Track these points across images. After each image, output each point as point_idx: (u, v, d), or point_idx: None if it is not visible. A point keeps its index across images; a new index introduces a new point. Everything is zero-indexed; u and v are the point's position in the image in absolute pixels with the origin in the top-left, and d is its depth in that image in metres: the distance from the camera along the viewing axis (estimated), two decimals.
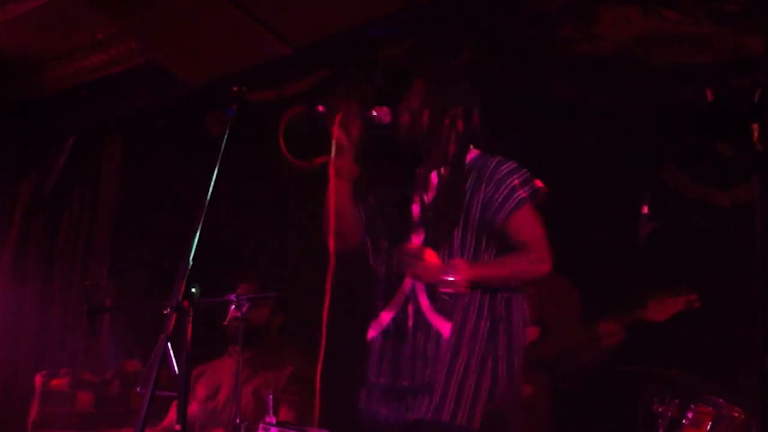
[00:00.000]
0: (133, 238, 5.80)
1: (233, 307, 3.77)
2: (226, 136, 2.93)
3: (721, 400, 3.28)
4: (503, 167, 3.09)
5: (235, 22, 4.53)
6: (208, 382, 4.60)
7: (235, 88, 3.05)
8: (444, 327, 3.00)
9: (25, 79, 5.71)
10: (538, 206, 3.10)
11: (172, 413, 4.45)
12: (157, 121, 5.61)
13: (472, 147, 3.16)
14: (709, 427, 3.24)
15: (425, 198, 3.14)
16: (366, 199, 3.25)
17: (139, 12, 4.63)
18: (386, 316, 3.12)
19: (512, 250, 3.07)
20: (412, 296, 3.07)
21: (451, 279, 2.93)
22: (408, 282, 3.08)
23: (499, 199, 3.04)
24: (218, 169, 2.87)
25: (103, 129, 5.89)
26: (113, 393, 5.18)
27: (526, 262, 3.04)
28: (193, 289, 2.73)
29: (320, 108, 3.12)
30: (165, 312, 2.70)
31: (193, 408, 4.52)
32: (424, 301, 3.04)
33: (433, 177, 3.14)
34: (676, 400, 3.37)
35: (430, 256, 2.97)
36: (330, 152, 3.08)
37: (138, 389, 2.77)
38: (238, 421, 3.60)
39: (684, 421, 3.32)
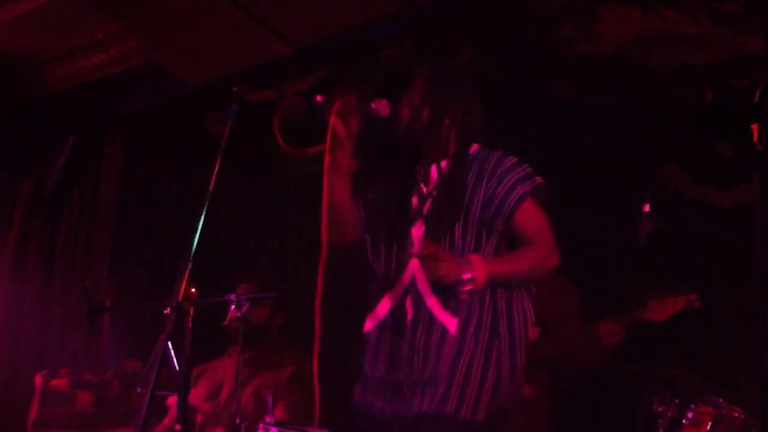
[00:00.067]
0: (133, 238, 5.80)
1: (233, 307, 3.77)
2: (226, 136, 2.93)
3: (721, 400, 3.28)
4: (505, 162, 3.09)
5: (235, 22, 4.53)
6: (208, 383, 4.60)
7: (235, 88, 3.04)
8: (450, 323, 2.99)
9: (25, 79, 5.71)
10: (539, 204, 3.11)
11: (172, 413, 4.46)
12: (157, 121, 5.61)
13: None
14: (709, 427, 3.24)
15: (424, 191, 3.14)
16: (365, 195, 3.25)
17: (139, 12, 4.63)
18: (383, 309, 3.11)
19: (518, 246, 3.07)
20: (411, 289, 3.06)
21: (471, 277, 2.92)
22: (407, 275, 3.08)
23: (501, 194, 3.04)
24: (218, 169, 2.87)
25: (103, 129, 5.89)
26: (113, 393, 5.18)
27: (536, 257, 3.05)
28: (193, 290, 2.74)
29: (318, 98, 3.11)
30: (165, 312, 2.71)
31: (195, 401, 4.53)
32: (429, 296, 3.03)
33: (433, 171, 3.14)
34: (676, 400, 3.37)
35: (448, 256, 2.97)
36: (326, 141, 3.07)
37: (138, 389, 2.77)
38: (238, 421, 3.60)
39: (684, 421, 3.32)
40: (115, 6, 4.71)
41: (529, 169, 3.09)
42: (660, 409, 3.38)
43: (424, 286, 3.04)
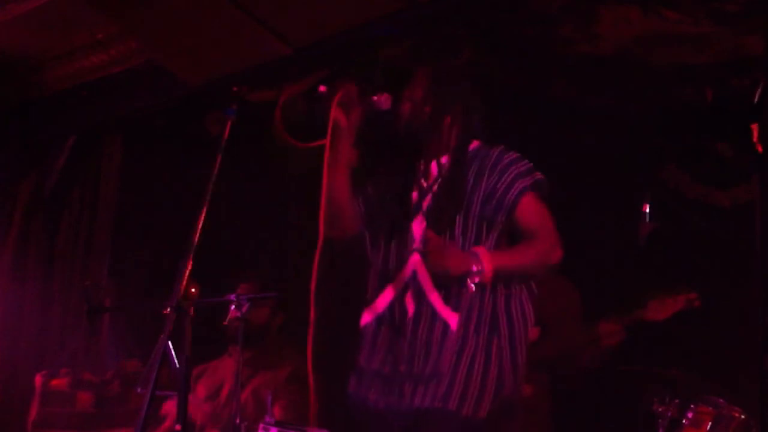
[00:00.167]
0: (133, 238, 5.80)
1: (233, 307, 3.77)
2: (226, 136, 2.93)
3: (721, 400, 3.28)
4: (506, 157, 3.10)
5: (235, 22, 4.53)
6: (208, 382, 4.60)
7: (235, 88, 3.04)
8: (452, 318, 2.99)
9: (25, 79, 5.71)
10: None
11: (173, 414, 4.46)
12: (157, 121, 5.61)
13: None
14: (709, 427, 3.24)
15: (425, 186, 3.14)
16: (365, 190, 3.25)
17: (139, 12, 4.63)
18: (382, 303, 3.11)
19: (519, 241, 3.07)
20: (412, 284, 3.06)
21: (478, 269, 2.92)
22: (408, 269, 3.08)
23: (502, 189, 3.04)
24: (218, 169, 2.87)
25: (103, 129, 5.89)
26: (113, 393, 5.17)
27: (539, 251, 3.04)
28: (193, 290, 2.74)
29: (321, 88, 3.12)
30: (165, 312, 2.70)
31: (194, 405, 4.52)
32: (431, 291, 3.03)
33: (434, 166, 3.15)
34: (676, 400, 3.37)
35: (453, 248, 2.97)
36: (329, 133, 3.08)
37: (138, 389, 2.77)
38: (237, 421, 3.60)
39: (684, 421, 3.32)
40: (115, 6, 4.70)
41: (530, 165, 3.10)
42: (660, 409, 3.37)
43: (425, 281, 3.04)
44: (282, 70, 4.79)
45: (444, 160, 3.13)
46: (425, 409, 2.96)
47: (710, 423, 3.24)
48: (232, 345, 4.44)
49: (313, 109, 3.12)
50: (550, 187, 3.14)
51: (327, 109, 3.08)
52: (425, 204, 3.12)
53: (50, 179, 5.98)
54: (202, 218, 2.79)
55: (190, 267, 2.74)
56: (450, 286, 3.00)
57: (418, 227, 3.09)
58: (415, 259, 3.07)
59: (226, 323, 4.03)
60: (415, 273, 3.07)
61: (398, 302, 3.07)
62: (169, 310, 2.70)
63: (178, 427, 2.75)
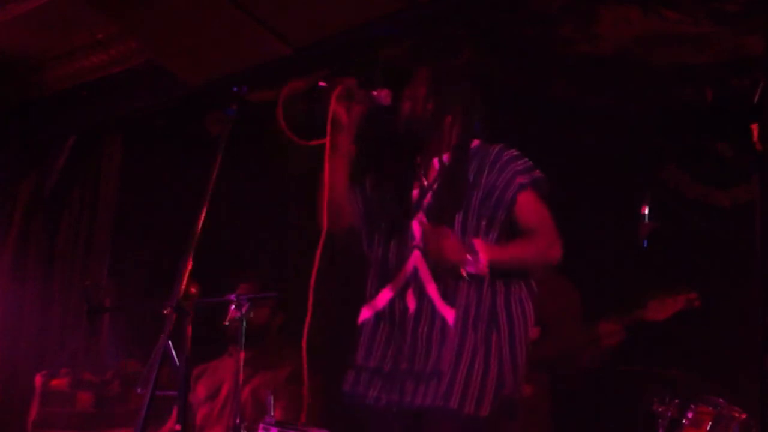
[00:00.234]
0: (133, 238, 5.80)
1: (233, 307, 3.77)
2: (226, 136, 2.93)
3: (721, 400, 3.28)
4: (505, 154, 3.10)
5: (235, 22, 4.53)
6: (208, 382, 4.60)
7: (235, 88, 3.04)
8: (448, 313, 2.99)
9: (25, 79, 5.71)
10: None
11: (174, 414, 4.46)
12: (157, 121, 5.61)
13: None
14: (709, 427, 3.24)
15: (425, 184, 3.15)
16: (363, 185, 3.26)
17: (139, 12, 4.63)
18: (382, 300, 3.11)
19: (520, 237, 3.07)
20: (414, 280, 3.06)
21: (472, 259, 2.92)
22: (409, 266, 3.08)
23: (501, 186, 3.05)
24: (218, 169, 2.86)
25: (103, 129, 5.89)
26: (113, 393, 5.18)
27: (537, 247, 3.04)
28: (193, 290, 2.74)
29: (321, 83, 3.12)
30: (165, 312, 2.70)
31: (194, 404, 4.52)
32: (431, 287, 3.03)
33: (434, 165, 3.15)
34: (676, 400, 3.37)
35: (452, 235, 2.97)
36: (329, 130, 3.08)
37: (138, 390, 2.77)
38: (237, 421, 3.60)
39: (684, 421, 3.32)
40: (115, 6, 4.70)
41: (530, 162, 3.10)
42: (660, 409, 3.37)
43: (426, 278, 3.04)
44: (282, 70, 4.79)
45: (445, 158, 3.14)
46: (426, 408, 2.96)
47: (710, 423, 3.24)
48: (232, 345, 4.43)
49: (314, 107, 3.12)
50: (550, 187, 3.14)
51: (327, 104, 3.08)
52: (425, 202, 3.12)
53: (50, 179, 5.99)
54: (202, 218, 2.79)
55: (190, 267, 2.74)
56: (447, 281, 3.00)
57: (418, 225, 3.10)
58: (416, 256, 3.07)
59: (226, 323, 4.04)
60: (416, 269, 3.07)
61: (399, 299, 3.07)
62: (169, 310, 2.70)
63: (177, 427, 2.75)
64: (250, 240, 5.52)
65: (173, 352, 2.69)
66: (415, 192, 3.15)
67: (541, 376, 4.19)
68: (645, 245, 3.86)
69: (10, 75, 5.66)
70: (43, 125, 5.90)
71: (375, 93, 3.13)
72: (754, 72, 4.08)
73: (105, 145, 5.91)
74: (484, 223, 3.04)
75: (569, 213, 3.29)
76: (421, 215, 3.09)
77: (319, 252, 2.97)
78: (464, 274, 2.92)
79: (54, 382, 5.14)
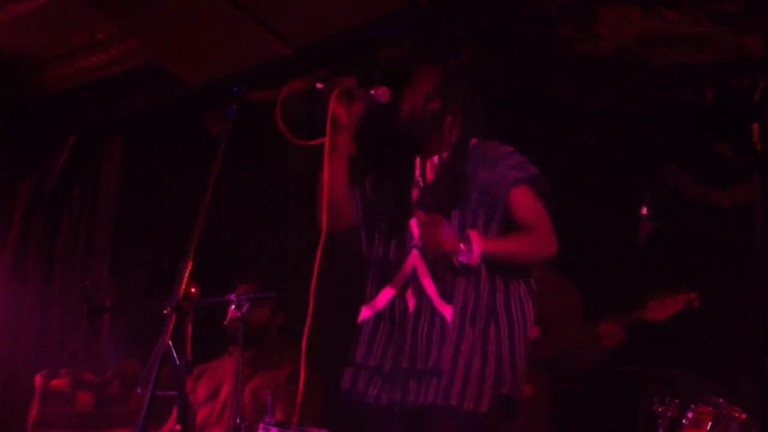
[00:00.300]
0: (133, 238, 5.80)
1: (233, 307, 3.78)
2: (226, 136, 2.93)
3: (721, 400, 3.28)
4: (500, 150, 3.12)
5: (235, 22, 4.53)
6: (208, 382, 4.60)
7: (235, 88, 3.04)
8: (446, 310, 3.00)
9: (25, 79, 5.71)
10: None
11: (174, 414, 4.46)
12: (157, 121, 5.61)
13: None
14: (709, 427, 3.24)
15: (424, 183, 3.16)
16: (363, 184, 3.26)
17: (139, 12, 4.63)
18: (382, 299, 3.11)
19: (516, 231, 3.07)
20: (413, 279, 3.07)
21: (467, 248, 2.92)
22: (409, 265, 3.08)
23: (496, 181, 3.06)
24: (218, 169, 2.86)
25: (103, 129, 5.89)
26: (113, 393, 5.18)
27: (532, 241, 3.05)
28: (193, 290, 2.74)
29: (319, 85, 3.12)
30: (165, 312, 2.70)
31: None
32: (429, 285, 3.04)
33: (434, 162, 3.16)
34: (676, 400, 3.37)
35: (447, 225, 2.97)
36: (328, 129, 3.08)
37: (138, 390, 2.77)
38: (237, 420, 3.61)
39: (684, 421, 3.32)
40: (115, 6, 4.70)
41: (524, 158, 3.11)
42: (660, 409, 3.37)
43: (425, 277, 3.05)
44: (282, 70, 4.79)
45: (444, 156, 3.15)
46: (428, 405, 2.96)
47: (710, 423, 3.24)
48: (232, 345, 4.43)
49: (313, 107, 3.13)
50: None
51: (326, 105, 3.08)
52: (425, 198, 3.13)
53: (50, 179, 5.98)
54: (202, 218, 2.79)
55: (190, 267, 2.74)
56: (445, 278, 3.01)
57: (416, 224, 3.10)
58: (414, 255, 3.08)
59: (226, 323, 4.04)
60: (414, 269, 3.07)
61: (399, 298, 3.08)
62: (169, 310, 2.70)
63: (177, 427, 2.76)
64: (250, 240, 5.52)
65: (173, 352, 2.69)
66: (415, 192, 3.16)
67: (541, 376, 4.19)
68: (644, 245, 3.86)
69: (10, 75, 5.65)
70: (43, 125, 5.90)
71: (373, 91, 3.13)
72: (754, 72, 4.08)
73: (105, 145, 5.91)
74: (481, 221, 3.05)
75: (569, 213, 3.29)
76: (419, 213, 3.10)
77: (318, 254, 2.97)
78: (457, 263, 2.93)
79: (54, 382, 5.14)
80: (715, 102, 4.37)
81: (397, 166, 3.23)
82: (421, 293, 3.04)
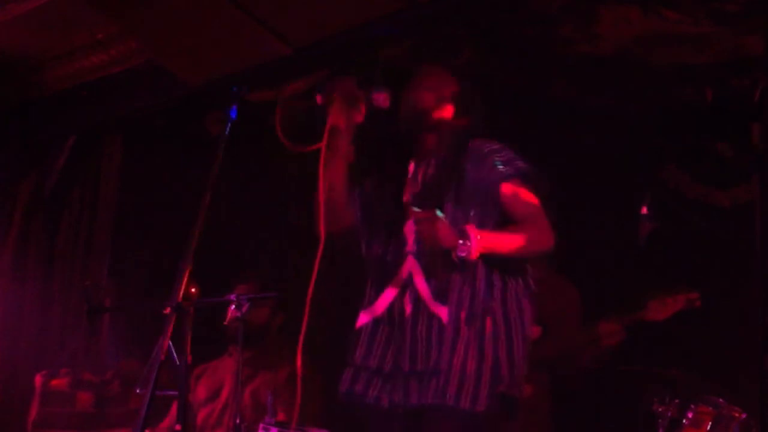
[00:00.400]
0: (133, 238, 5.80)
1: (233, 307, 3.77)
2: (226, 136, 2.93)
3: (721, 400, 3.28)
4: (487, 147, 3.12)
5: (235, 22, 4.52)
6: (208, 383, 4.60)
7: (235, 88, 3.05)
8: (442, 312, 3.00)
9: (25, 79, 5.70)
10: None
11: (172, 413, 4.46)
12: (157, 121, 5.61)
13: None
14: (709, 427, 3.24)
15: (424, 183, 3.16)
16: (362, 186, 3.26)
17: (139, 12, 4.63)
18: (381, 305, 3.12)
19: (512, 225, 3.08)
20: (409, 283, 3.07)
21: (465, 242, 2.92)
22: (405, 269, 3.09)
23: (485, 178, 3.06)
24: (218, 169, 2.87)
25: (103, 129, 5.89)
26: (113, 393, 5.18)
27: (529, 234, 3.04)
28: (193, 290, 2.74)
29: (319, 99, 3.13)
30: (165, 312, 2.71)
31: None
32: (423, 287, 3.05)
33: (434, 162, 3.17)
34: (676, 400, 3.37)
35: (444, 221, 2.97)
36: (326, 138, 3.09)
37: (138, 390, 2.77)
38: (237, 421, 3.61)
39: (684, 421, 3.32)
40: (115, 6, 4.70)
41: (511, 154, 3.11)
42: (660, 409, 3.38)
43: (420, 282, 3.06)
44: (282, 70, 4.79)
45: (440, 159, 3.16)
46: (426, 406, 2.97)
47: (710, 423, 3.24)
48: (232, 345, 4.43)
49: (312, 116, 3.13)
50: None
51: (326, 114, 3.09)
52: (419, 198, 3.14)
53: (50, 179, 5.98)
54: (202, 218, 2.79)
55: (190, 267, 2.74)
56: (440, 280, 3.01)
57: (412, 230, 3.10)
58: (410, 261, 3.08)
59: (226, 323, 4.04)
60: (410, 274, 3.08)
61: (397, 303, 3.08)
62: (169, 310, 2.70)
63: (178, 427, 2.75)
64: (250, 240, 5.52)
65: (173, 352, 2.69)
66: (412, 192, 3.17)
67: (541, 376, 4.19)
68: (644, 245, 3.86)
69: (10, 75, 5.65)
70: (43, 125, 5.90)
71: (374, 97, 3.13)
72: (754, 72, 4.08)
73: (105, 145, 5.90)
74: (475, 219, 3.05)
75: (569, 213, 3.29)
76: (414, 211, 3.11)
77: (317, 263, 2.97)
78: (456, 258, 2.93)
79: (54, 382, 5.14)
80: (715, 102, 4.37)
81: (397, 167, 3.23)
82: (417, 297, 3.06)
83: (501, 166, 3.07)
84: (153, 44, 4.98)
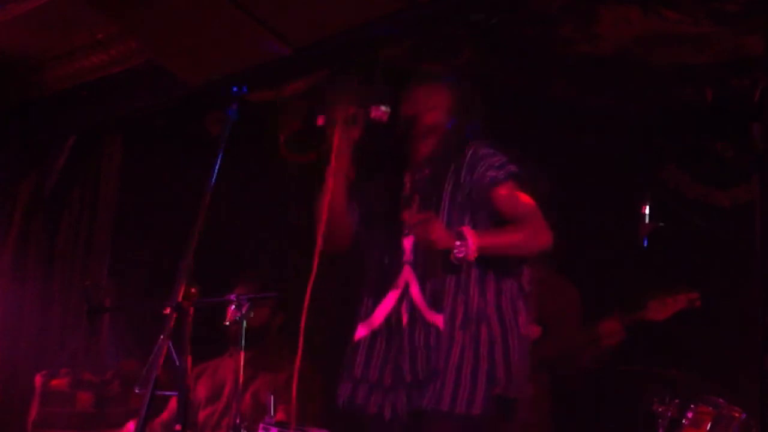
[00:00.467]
0: (133, 238, 5.79)
1: (233, 307, 3.77)
2: (226, 136, 2.93)
3: (721, 400, 3.28)
4: (480, 152, 3.13)
5: (235, 22, 4.52)
6: (208, 382, 4.60)
7: (235, 88, 3.05)
8: (437, 320, 3.01)
9: (25, 79, 5.70)
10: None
11: (171, 407, 4.46)
12: (157, 121, 5.61)
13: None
14: (709, 427, 3.24)
15: (420, 188, 3.17)
16: (360, 197, 3.27)
17: (139, 12, 4.63)
18: (379, 315, 3.13)
19: (509, 225, 3.08)
20: (406, 293, 3.08)
21: (462, 243, 2.92)
22: (402, 278, 3.09)
23: (477, 183, 3.07)
24: (218, 169, 2.87)
25: (103, 129, 5.89)
26: (113, 393, 5.17)
27: (525, 233, 3.05)
28: (193, 290, 2.74)
29: (320, 120, 3.14)
30: (165, 312, 2.71)
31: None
32: (418, 296, 3.05)
33: (431, 167, 3.17)
34: (676, 400, 3.37)
35: (440, 223, 2.97)
36: (324, 145, 3.09)
37: (137, 390, 2.77)
38: (238, 421, 3.60)
39: (684, 421, 3.32)
40: (115, 6, 4.70)
41: (504, 158, 3.11)
42: (660, 409, 3.38)
43: (416, 292, 3.06)
44: (282, 70, 4.79)
45: (435, 168, 3.17)
46: (422, 411, 2.97)
47: (710, 423, 3.24)
48: (233, 345, 4.43)
49: (311, 135, 3.14)
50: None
51: (327, 138, 3.11)
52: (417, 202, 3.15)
53: (50, 179, 5.98)
54: (202, 218, 2.79)
55: (190, 267, 2.74)
56: (435, 289, 3.02)
57: (408, 241, 3.11)
58: (407, 271, 3.09)
59: (226, 323, 4.03)
60: (407, 284, 3.08)
61: (394, 314, 3.09)
62: (169, 310, 2.70)
63: (177, 427, 2.75)
64: (250, 240, 5.52)
65: (173, 352, 2.69)
66: (411, 201, 3.18)
67: (541, 376, 4.18)
68: (645, 245, 3.86)
69: (10, 75, 5.65)
70: (43, 125, 5.90)
71: (373, 114, 3.14)
72: (754, 72, 4.08)
73: (105, 145, 5.90)
74: (471, 222, 3.05)
75: (569, 213, 3.29)
76: (410, 214, 3.11)
77: (315, 263, 2.98)
78: (454, 259, 2.93)
79: (54, 382, 5.13)
80: (715, 102, 4.37)
81: (391, 181, 3.24)
82: (413, 306, 3.06)
83: (492, 171, 3.07)
84: (153, 44, 4.98)
